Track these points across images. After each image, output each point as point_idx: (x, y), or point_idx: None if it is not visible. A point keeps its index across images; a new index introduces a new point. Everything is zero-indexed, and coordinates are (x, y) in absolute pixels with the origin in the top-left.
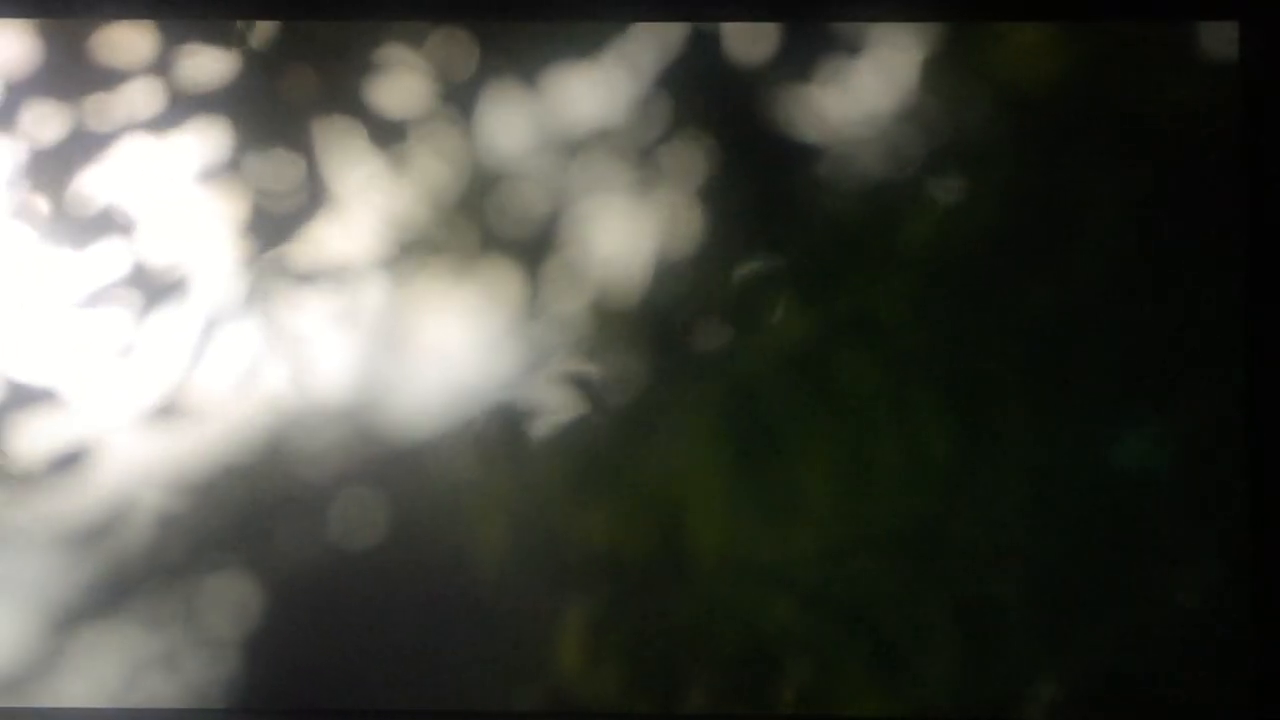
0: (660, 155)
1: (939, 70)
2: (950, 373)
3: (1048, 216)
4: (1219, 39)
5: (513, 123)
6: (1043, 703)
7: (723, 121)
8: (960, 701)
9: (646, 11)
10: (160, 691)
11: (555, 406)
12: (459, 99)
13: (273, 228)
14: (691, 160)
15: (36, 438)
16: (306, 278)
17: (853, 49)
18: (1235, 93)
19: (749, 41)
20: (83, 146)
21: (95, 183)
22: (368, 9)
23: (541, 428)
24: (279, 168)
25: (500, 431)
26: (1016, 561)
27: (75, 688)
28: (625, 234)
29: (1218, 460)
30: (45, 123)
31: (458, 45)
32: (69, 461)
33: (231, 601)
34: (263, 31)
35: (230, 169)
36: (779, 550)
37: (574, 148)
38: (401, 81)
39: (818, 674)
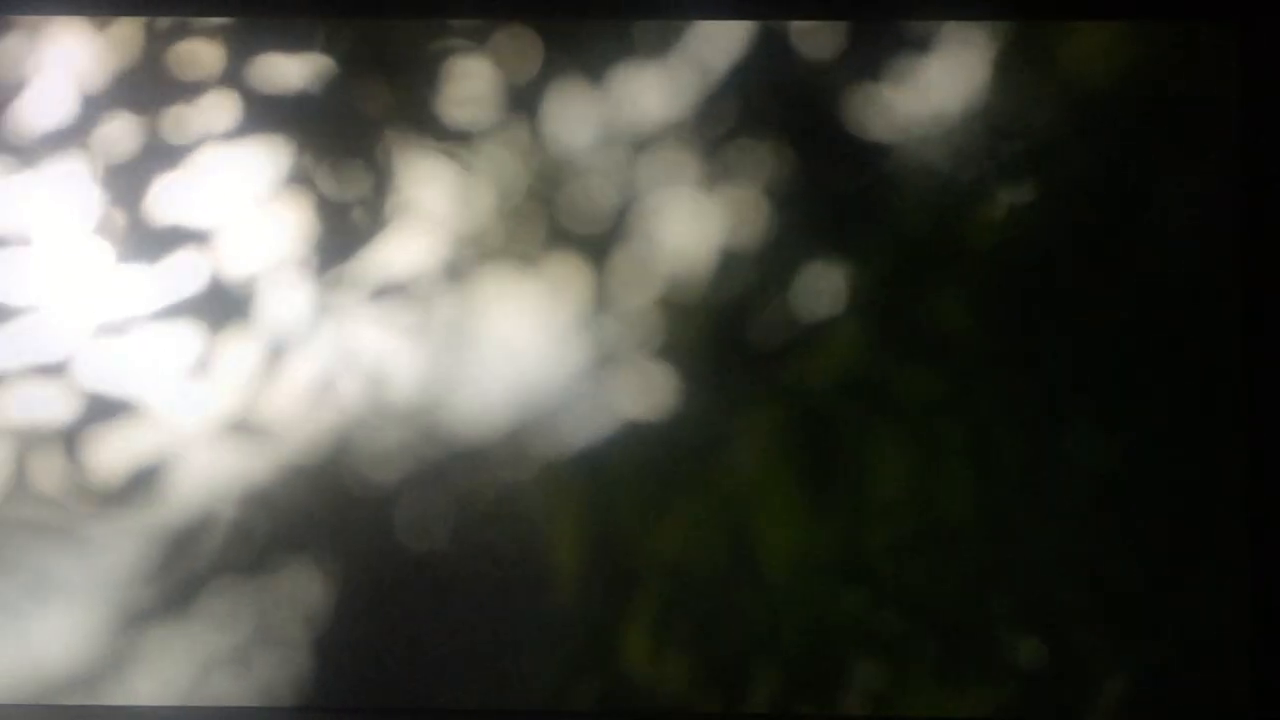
0: (726, 153)
1: (1005, 68)
2: (1016, 375)
3: (1114, 217)
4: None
5: (579, 122)
6: (1109, 703)
7: (789, 119)
8: (1029, 701)
9: (712, 10)
10: (230, 690)
11: (620, 405)
12: (525, 99)
13: (343, 236)
14: (757, 158)
15: (114, 449)
16: (376, 282)
17: (920, 47)
18: (1234, 93)
19: (816, 39)
20: (158, 159)
21: (170, 195)
22: (433, 8)
23: (607, 427)
24: (349, 177)
25: (566, 431)
26: (1082, 565)
27: (148, 686)
28: (691, 233)
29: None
30: (121, 136)
31: (523, 44)
32: (147, 469)
33: (301, 602)
34: (332, 42)
35: (301, 180)
36: (846, 550)
37: (640, 146)
38: (468, 84)
39: (885, 674)
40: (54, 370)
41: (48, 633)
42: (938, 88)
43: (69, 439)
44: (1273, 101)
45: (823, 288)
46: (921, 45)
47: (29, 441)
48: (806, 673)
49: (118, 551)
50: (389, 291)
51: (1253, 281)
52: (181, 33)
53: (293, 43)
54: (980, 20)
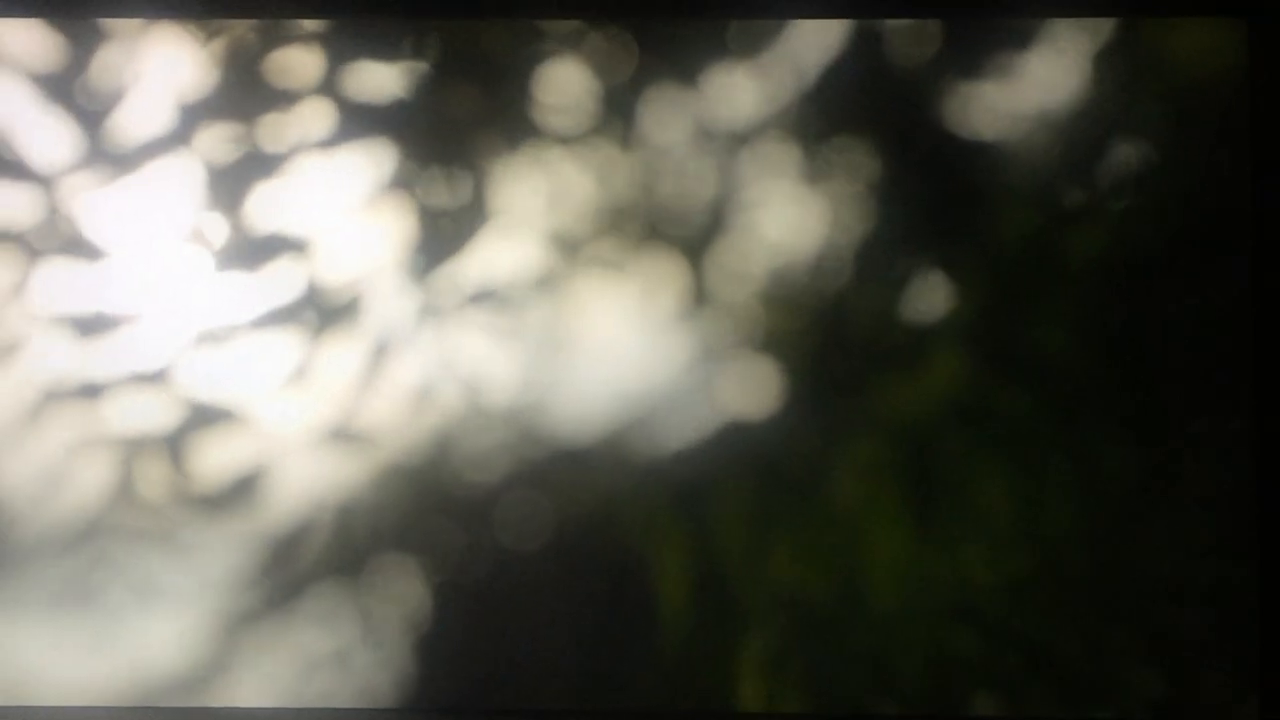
0: (821, 152)
1: (1105, 65)
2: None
3: (1213, 223)
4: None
5: (674, 122)
6: None
7: (885, 118)
8: None
9: (807, 9)
10: (332, 691)
11: (719, 405)
12: (620, 100)
13: (441, 240)
14: (853, 158)
15: (217, 455)
16: (474, 286)
17: (1016, 45)
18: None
19: (911, 38)
20: (256, 166)
21: (269, 202)
22: (528, 9)
23: (706, 427)
24: (446, 182)
25: (665, 432)
26: (1198, 591)
27: (252, 688)
28: (787, 232)
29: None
30: (219, 143)
31: (617, 46)
32: (250, 475)
33: (401, 604)
34: (427, 47)
35: (398, 185)
36: (957, 582)
37: (735, 146)
38: (563, 87)
39: (998, 705)
40: (157, 378)
41: (153, 637)
42: (1034, 85)
43: (172, 446)
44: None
45: (921, 286)
46: (1017, 43)
47: (133, 449)
48: (921, 705)
49: (221, 556)
50: (487, 295)
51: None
52: (278, 40)
53: (388, 49)
54: (1066, 17)
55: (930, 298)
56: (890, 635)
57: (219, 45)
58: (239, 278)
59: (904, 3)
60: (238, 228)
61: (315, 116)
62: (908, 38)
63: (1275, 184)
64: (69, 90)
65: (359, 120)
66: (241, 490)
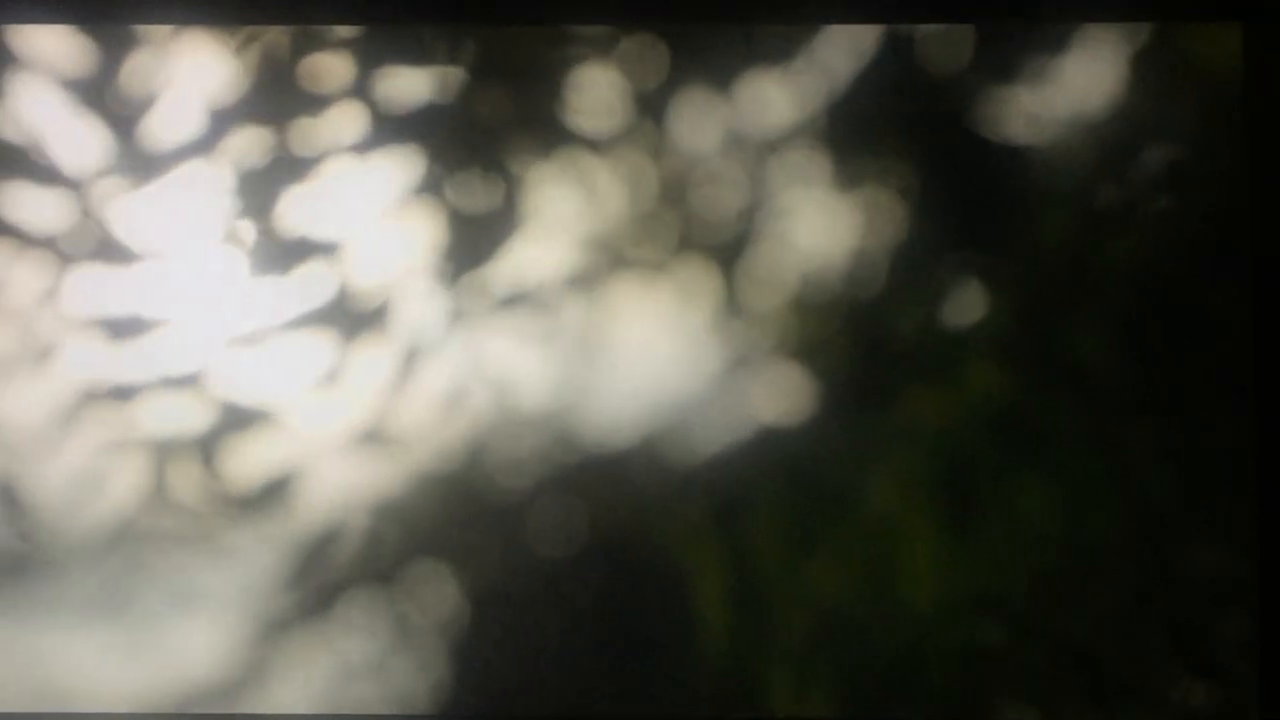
0: (854, 158)
1: (1139, 70)
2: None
3: (1242, 225)
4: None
5: (706, 127)
6: None
7: (917, 124)
8: None
9: (839, 14)
10: (368, 698)
11: (753, 411)
12: (651, 105)
13: (472, 245)
14: (886, 163)
15: (249, 459)
16: (506, 290)
17: (1049, 50)
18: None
19: (943, 42)
20: (287, 171)
21: (300, 207)
22: (558, 14)
23: (739, 433)
24: (477, 186)
25: (698, 438)
26: (1233, 595)
27: (287, 694)
28: (821, 237)
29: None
30: (250, 148)
31: (649, 51)
32: (282, 479)
33: (435, 610)
34: (458, 52)
35: (429, 189)
36: (991, 582)
37: (767, 151)
38: (594, 91)
39: (1031, 710)
40: (188, 382)
41: (187, 642)
42: (1066, 90)
43: (205, 450)
44: (1276, 103)
45: (955, 292)
46: (1049, 47)
47: (165, 452)
48: (954, 710)
49: (254, 560)
50: (519, 300)
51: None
52: (309, 45)
53: (419, 54)
54: (1083, 23)
55: (964, 303)
56: (923, 640)
57: (251, 50)
58: (271, 282)
59: (935, 8)
60: (269, 232)
61: (347, 121)
62: (939, 42)
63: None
64: (101, 95)
65: (391, 125)
66: (275, 495)
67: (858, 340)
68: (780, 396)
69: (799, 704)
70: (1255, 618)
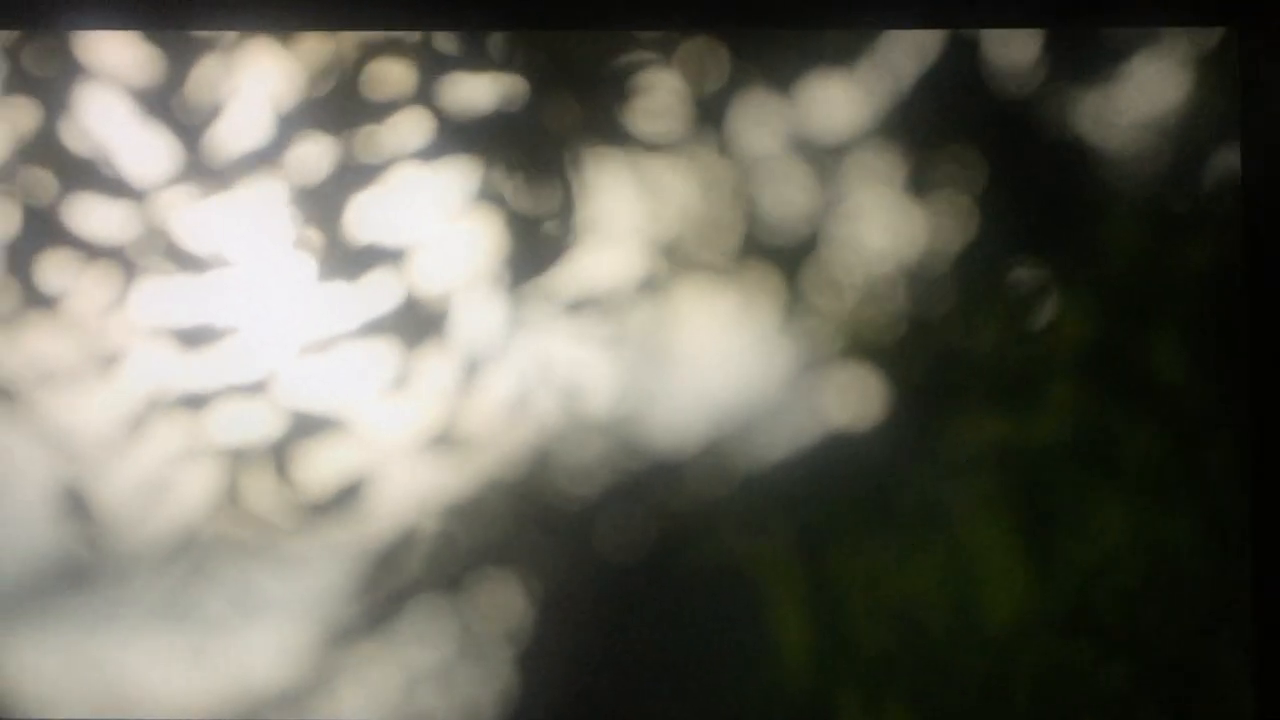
0: (919, 161)
1: (1209, 74)
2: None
3: None
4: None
5: (769, 131)
6: None
7: (983, 129)
8: None
9: (904, 19)
10: (435, 705)
11: (821, 415)
12: (714, 109)
13: (536, 250)
14: (951, 167)
15: (316, 466)
16: (570, 296)
17: (1115, 54)
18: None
19: (1008, 46)
20: (352, 178)
21: (364, 214)
22: (620, 19)
23: (808, 437)
24: (540, 192)
25: (766, 443)
26: None
27: (355, 702)
28: (887, 241)
29: None
30: (315, 156)
31: (711, 55)
32: (349, 486)
33: (502, 617)
34: (519, 58)
35: (492, 196)
36: (1072, 601)
37: (831, 155)
38: (656, 96)
39: None
40: (255, 389)
41: (255, 649)
42: (1136, 95)
43: (271, 458)
44: (1268, 107)
45: (1024, 295)
46: (1118, 52)
47: (233, 460)
48: None
49: (322, 567)
50: (583, 305)
51: None
52: (372, 53)
53: (481, 60)
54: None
55: (1033, 306)
56: (1000, 654)
57: (315, 58)
58: (336, 289)
59: (1001, 12)
60: (335, 239)
61: (411, 128)
62: (1005, 45)
63: None
64: (167, 105)
65: (454, 131)
66: (341, 502)
67: (925, 344)
68: (847, 401)
69: (869, 714)
70: None
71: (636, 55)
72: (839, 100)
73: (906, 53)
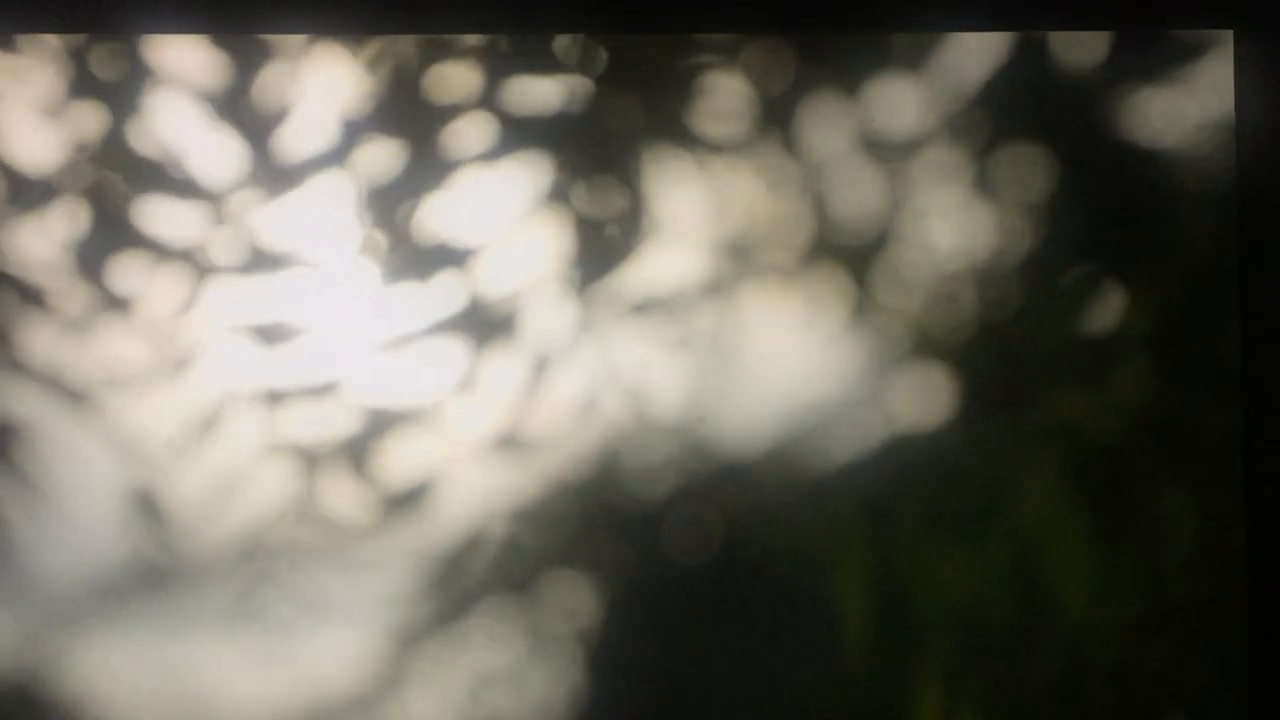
0: (987, 163)
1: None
2: None
3: None
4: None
5: (835, 133)
6: None
7: (1051, 131)
8: None
9: (971, 21)
10: (504, 708)
11: (890, 418)
12: (779, 111)
13: (602, 252)
14: (1019, 169)
15: (384, 468)
16: (637, 297)
17: (1186, 55)
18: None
19: (1078, 49)
20: (418, 180)
21: (431, 216)
22: (685, 22)
23: (877, 440)
24: (606, 194)
25: (834, 445)
26: None
27: (423, 706)
28: (954, 242)
29: None
30: (381, 157)
31: (776, 57)
32: (416, 488)
33: (571, 618)
34: (586, 60)
35: (559, 198)
36: (1143, 599)
37: (898, 156)
38: (722, 98)
39: None
40: (323, 391)
41: (322, 653)
42: (1203, 96)
43: (339, 459)
44: (1267, 109)
45: (1093, 294)
46: (1185, 53)
47: (302, 463)
48: None
49: (390, 570)
50: (650, 306)
51: None
52: (438, 55)
53: (546, 62)
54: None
55: (1103, 305)
56: (1074, 652)
57: (381, 60)
58: (404, 290)
59: (1067, 14)
60: (401, 241)
61: (476, 130)
62: (1072, 46)
63: None
64: (235, 108)
65: (519, 133)
66: (409, 503)
67: (995, 344)
68: (916, 401)
69: (943, 713)
70: None
71: (701, 57)
72: (905, 101)
73: (974, 53)
